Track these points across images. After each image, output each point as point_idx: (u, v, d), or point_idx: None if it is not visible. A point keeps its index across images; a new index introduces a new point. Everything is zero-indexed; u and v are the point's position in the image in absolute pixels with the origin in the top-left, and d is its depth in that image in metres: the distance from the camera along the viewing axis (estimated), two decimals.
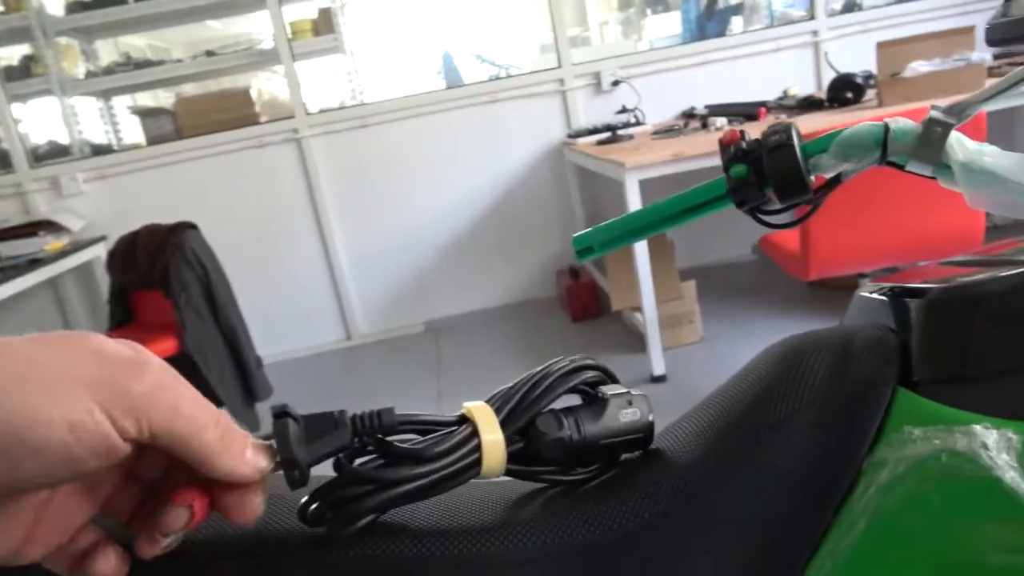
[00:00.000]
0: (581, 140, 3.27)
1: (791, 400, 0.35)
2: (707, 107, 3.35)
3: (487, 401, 0.38)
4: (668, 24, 5.54)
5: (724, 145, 0.51)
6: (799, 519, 0.33)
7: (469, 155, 3.61)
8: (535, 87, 3.59)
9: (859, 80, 2.74)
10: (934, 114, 0.46)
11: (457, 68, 5.43)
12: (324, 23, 3.44)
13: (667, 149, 2.46)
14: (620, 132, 3.14)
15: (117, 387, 0.28)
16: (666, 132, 3.05)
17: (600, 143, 3.10)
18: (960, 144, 0.45)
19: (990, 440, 0.28)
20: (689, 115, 3.45)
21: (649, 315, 2.59)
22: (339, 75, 3.76)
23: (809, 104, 2.92)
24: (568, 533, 0.34)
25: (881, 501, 0.31)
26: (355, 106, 3.65)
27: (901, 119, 0.48)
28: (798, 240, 2.08)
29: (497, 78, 4.51)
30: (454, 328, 3.69)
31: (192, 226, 2.71)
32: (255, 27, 3.96)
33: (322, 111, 3.59)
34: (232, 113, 3.52)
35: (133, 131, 3.81)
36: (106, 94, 3.79)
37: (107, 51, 4.03)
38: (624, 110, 3.36)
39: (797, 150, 0.48)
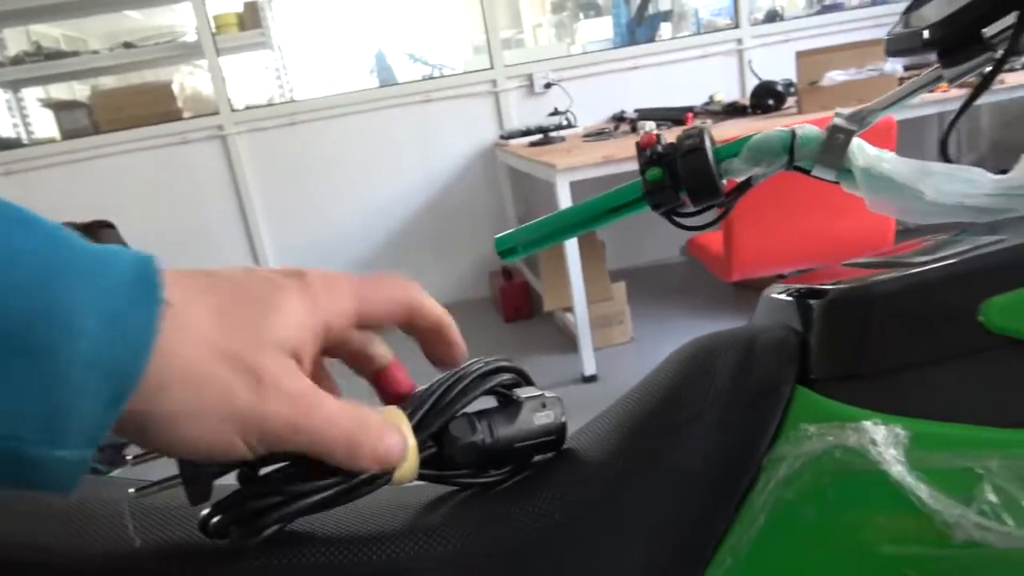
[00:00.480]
0: (514, 141, 3.28)
1: (696, 400, 0.36)
2: (637, 111, 3.41)
3: (400, 405, 0.38)
4: (600, 28, 5.62)
5: (641, 148, 0.52)
6: (704, 516, 0.34)
7: (402, 155, 3.58)
8: (468, 88, 3.58)
9: (780, 88, 2.84)
10: (837, 121, 0.47)
11: (391, 67, 5.37)
12: (250, 17, 3.35)
13: (598, 152, 2.49)
14: (552, 134, 3.16)
15: (261, 423, 0.31)
16: (597, 135, 3.09)
17: (532, 144, 3.12)
18: (861, 150, 0.47)
19: (879, 436, 0.29)
20: (620, 118, 3.51)
21: (580, 316, 2.62)
22: (267, 71, 3.67)
23: (733, 110, 3.01)
24: (479, 537, 0.34)
25: (779, 496, 0.32)
26: (284, 103, 3.57)
27: (808, 126, 0.50)
28: (722, 242, 2.14)
29: (430, 78, 4.49)
30: (386, 329, 3.64)
31: (109, 225, 2.59)
32: (178, 19, 3.82)
33: (249, 108, 3.49)
34: (153, 108, 3.39)
35: (46, 125, 3.62)
36: (14, 85, 3.59)
37: (18, 40, 3.82)
38: (556, 112, 3.39)
39: (709, 154, 0.49)
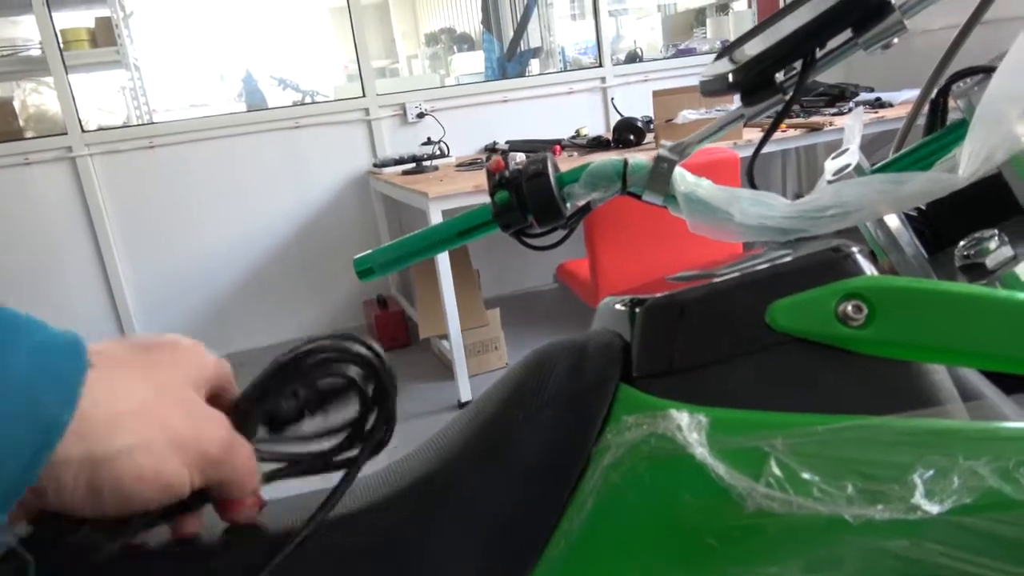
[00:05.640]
0: (387, 170, 3.28)
1: (533, 400, 0.39)
2: (508, 142, 3.51)
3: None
4: (473, 62, 5.76)
5: (491, 173, 0.56)
6: (540, 504, 0.37)
7: (271, 182, 3.48)
8: (341, 115, 3.55)
9: (639, 124, 3.02)
10: (662, 152, 0.53)
11: (261, 91, 5.23)
12: (104, 33, 3.17)
13: (469, 181, 2.55)
14: (425, 163, 3.19)
15: (201, 451, 0.33)
16: (469, 165, 3.15)
17: (405, 173, 3.14)
18: (682, 178, 0.52)
19: (683, 422, 0.33)
20: (492, 149, 3.59)
21: (455, 342, 2.64)
22: (123, 91, 3.48)
23: (598, 144, 3.17)
24: (323, 536, 0.35)
25: (605, 482, 0.35)
26: (141, 125, 3.39)
27: (639, 156, 0.55)
28: (588, 269, 2.24)
29: (302, 103, 4.41)
30: (256, 362, 3.49)
31: None
32: (21, 32, 3.55)
33: (102, 128, 3.29)
34: None
35: None
36: None
37: None
38: (429, 142, 3.43)
39: (552, 179, 0.53)
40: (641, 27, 5.84)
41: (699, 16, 4.84)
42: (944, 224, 0.51)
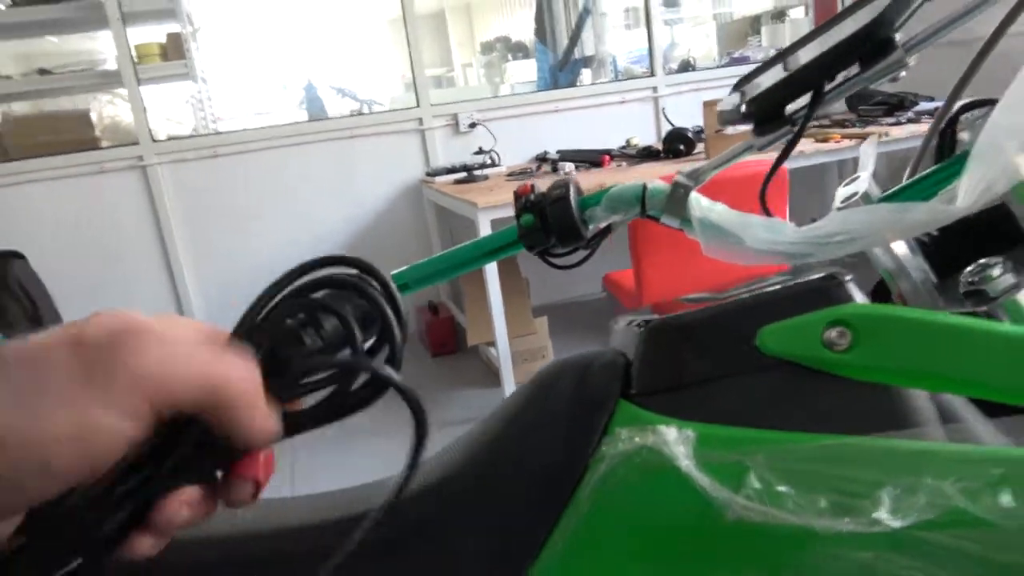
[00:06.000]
0: (439, 179, 3.36)
1: (539, 413, 0.43)
2: (559, 152, 3.55)
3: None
4: (527, 70, 5.82)
5: (517, 196, 0.59)
6: (540, 507, 0.40)
7: (327, 189, 3.60)
8: (395, 125, 3.65)
9: (690, 134, 3.02)
10: (679, 179, 0.56)
11: (321, 99, 5.39)
12: (174, 48, 3.34)
13: (508, 193, 2.59)
14: (476, 172, 3.25)
15: (114, 377, 0.28)
16: (519, 174, 3.20)
17: (457, 182, 3.20)
18: (698, 203, 0.55)
19: (671, 437, 0.36)
20: (542, 159, 3.63)
21: (503, 350, 2.68)
22: (191, 102, 3.64)
23: (648, 154, 3.18)
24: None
25: (599, 489, 0.38)
26: (207, 135, 3.54)
27: (658, 181, 0.58)
28: (633, 279, 2.26)
29: (359, 113, 4.54)
30: None
31: (18, 255, 2.51)
32: (97, 46, 3.76)
33: (171, 138, 3.46)
34: (68, 136, 3.31)
35: None
36: None
37: None
38: (481, 151, 3.49)
39: (573, 203, 0.57)
40: (696, 35, 5.80)
41: (754, 24, 4.78)
42: (955, 250, 0.53)
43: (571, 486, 0.39)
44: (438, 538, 0.40)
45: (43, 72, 3.43)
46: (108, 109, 3.71)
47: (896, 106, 3.44)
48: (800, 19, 4.34)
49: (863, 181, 0.53)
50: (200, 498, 0.32)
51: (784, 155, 0.53)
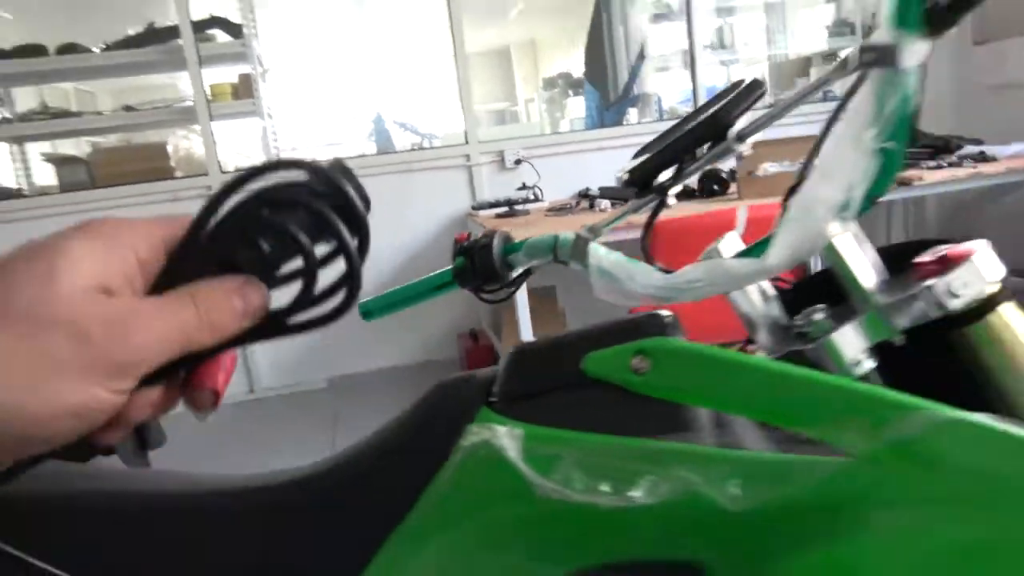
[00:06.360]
0: (483, 212, 3.52)
1: (420, 415, 0.54)
2: (600, 188, 3.66)
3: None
4: (583, 105, 5.99)
5: (456, 242, 0.72)
6: (404, 496, 0.52)
7: (380, 219, 3.79)
8: (445, 160, 3.85)
9: (724, 175, 3.09)
10: (581, 232, 0.67)
11: (388, 131, 5.67)
12: (244, 88, 3.63)
13: (548, 227, 2.72)
14: (517, 207, 3.40)
15: (105, 361, 0.30)
16: (559, 210, 3.33)
17: (498, 216, 3.35)
18: (595, 252, 0.66)
19: (502, 433, 0.47)
20: (584, 195, 3.76)
21: None
22: (258, 136, 3.93)
23: (684, 193, 3.26)
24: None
25: (449, 480, 0.50)
26: None
27: (566, 233, 0.70)
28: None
29: (420, 148, 4.77)
30: (356, 386, 3.81)
31: None
32: (179, 85, 4.10)
33: (237, 170, 3.73)
34: (147, 166, 3.62)
35: (47, 176, 3.86)
36: (20, 140, 3.84)
37: (31, 94, 4.09)
38: (524, 187, 3.64)
39: (495, 250, 0.69)
40: (750, 76, 5.84)
41: (805, 65, 4.82)
42: (805, 299, 0.63)
43: (434, 472, 0.51)
44: (310, 520, 0.52)
45: (128, 108, 3.77)
46: (183, 143, 4.04)
47: (942, 148, 3.44)
48: None
49: (730, 237, 0.63)
50: (163, 397, 0.35)
51: (653, 216, 0.64)
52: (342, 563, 0.50)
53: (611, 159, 3.93)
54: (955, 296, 0.52)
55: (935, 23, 0.49)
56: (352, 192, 0.35)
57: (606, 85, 4.41)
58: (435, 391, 0.56)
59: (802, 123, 4.10)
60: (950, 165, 3.14)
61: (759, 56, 5.81)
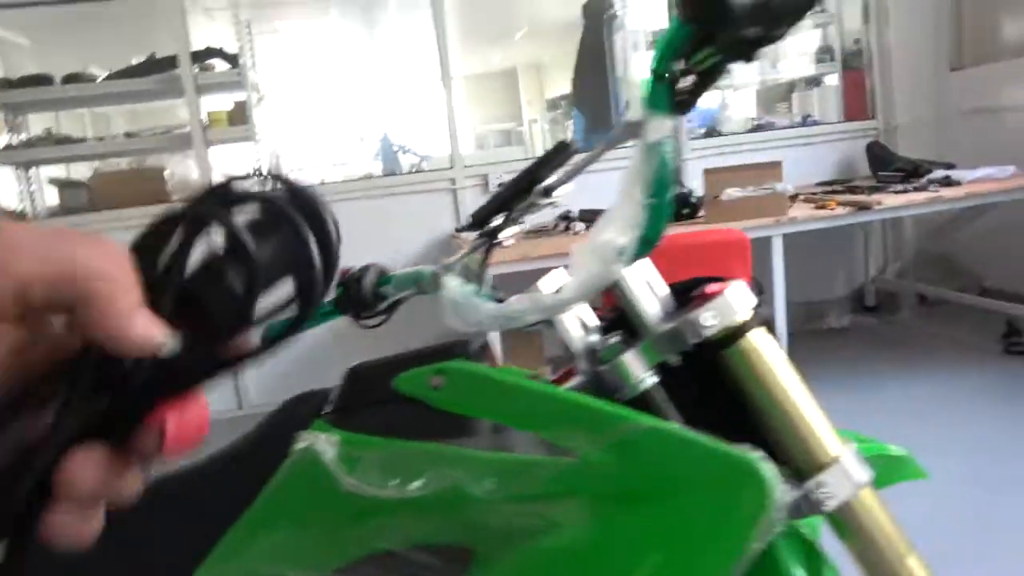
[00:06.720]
0: (463, 234, 3.64)
1: (267, 427, 0.65)
2: (581, 211, 3.77)
3: None
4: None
5: (341, 274, 0.83)
6: (245, 498, 0.62)
7: (365, 241, 3.92)
8: (431, 184, 3.98)
9: (693, 199, 3.20)
10: (436, 268, 0.78)
11: (395, 154, 5.82)
12: (239, 115, 3.78)
13: (518, 251, 2.84)
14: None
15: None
16: (537, 232, 3.44)
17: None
18: (447, 284, 0.77)
19: (320, 440, 0.58)
20: (565, 217, 3.86)
21: None
22: (252, 161, 4.08)
23: None
24: None
25: (281, 477, 0.60)
26: None
27: (425, 268, 0.81)
28: None
29: (419, 170, 4.91)
30: None
31: None
32: (177, 112, 4.27)
33: None
34: (145, 189, 3.78)
35: (53, 199, 4.03)
36: (26, 165, 4.01)
37: (40, 120, 4.28)
38: None
39: (367, 283, 0.80)
40: (739, 100, 5.96)
41: (788, 90, 4.92)
42: (616, 327, 0.73)
43: (272, 471, 0.62)
44: (176, 506, 0.63)
45: (128, 135, 3.94)
46: (180, 168, 4.20)
47: (911, 173, 3.53)
48: (830, 87, 4.46)
49: (556, 272, 0.74)
50: (108, 457, 0.27)
51: (487, 252, 0.75)
52: (192, 546, 0.61)
53: (592, 181, 4.02)
54: (707, 326, 0.62)
55: (680, 105, 0.60)
56: (298, 220, 0.31)
57: (592, 110, 4.53)
58: (285, 404, 0.67)
59: (802, 145, 4.17)
60: (915, 189, 3.23)
61: (750, 80, 5.92)
